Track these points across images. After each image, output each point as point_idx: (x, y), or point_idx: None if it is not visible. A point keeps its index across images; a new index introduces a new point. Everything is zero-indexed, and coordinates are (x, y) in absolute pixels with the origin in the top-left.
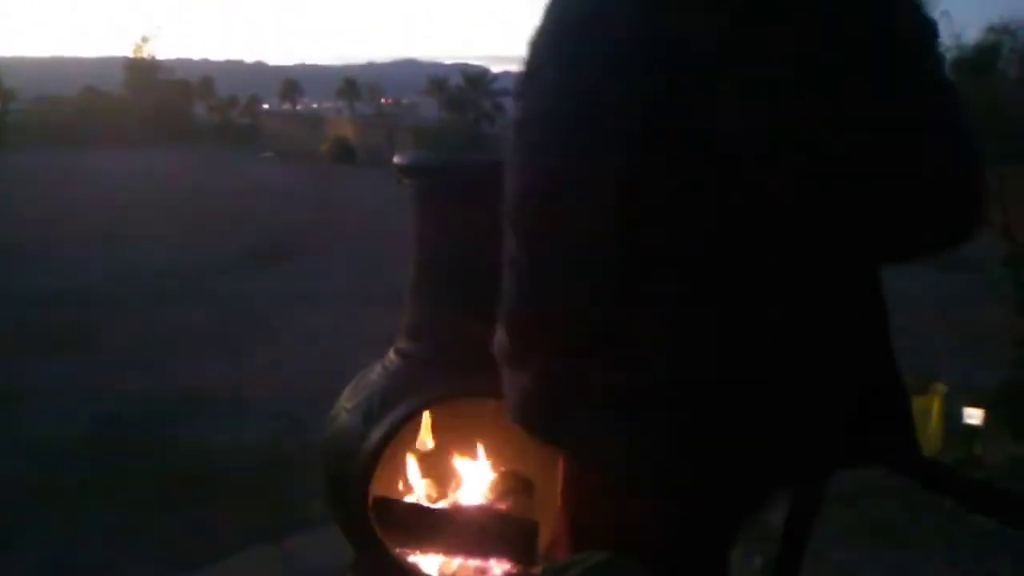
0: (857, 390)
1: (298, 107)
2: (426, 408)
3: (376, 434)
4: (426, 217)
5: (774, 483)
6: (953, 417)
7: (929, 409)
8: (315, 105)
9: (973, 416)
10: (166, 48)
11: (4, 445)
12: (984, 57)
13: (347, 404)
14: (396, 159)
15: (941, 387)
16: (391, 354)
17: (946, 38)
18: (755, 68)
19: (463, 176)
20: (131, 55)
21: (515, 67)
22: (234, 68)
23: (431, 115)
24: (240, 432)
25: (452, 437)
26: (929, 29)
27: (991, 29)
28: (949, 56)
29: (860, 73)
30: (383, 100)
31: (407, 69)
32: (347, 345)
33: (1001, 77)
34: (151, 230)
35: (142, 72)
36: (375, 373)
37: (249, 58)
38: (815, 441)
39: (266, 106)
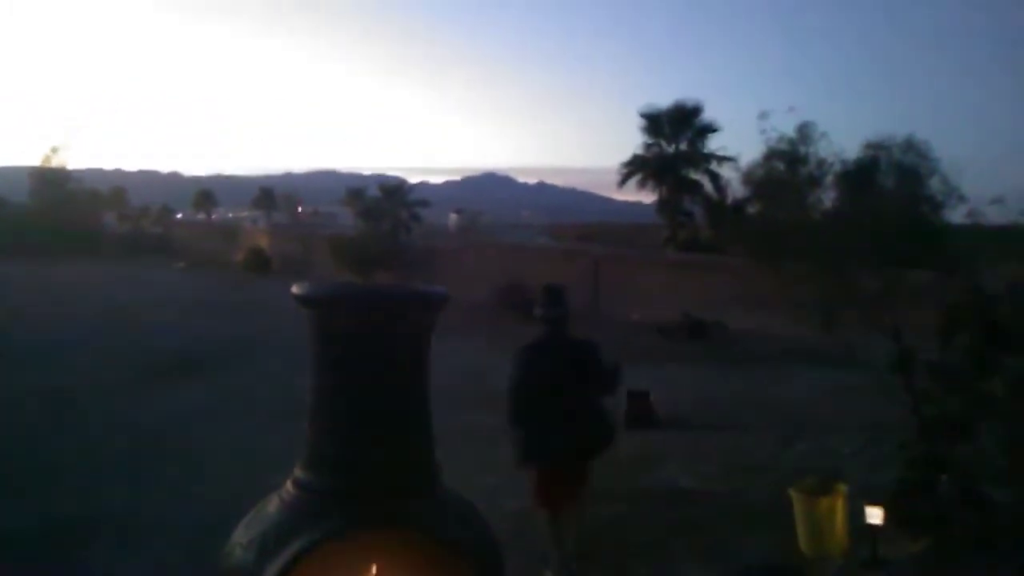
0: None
1: (213, 217)
2: (323, 542)
3: (271, 572)
4: (323, 346)
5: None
6: (856, 516)
7: (834, 509)
8: (230, 215)
9: (874, 516)
10: (78, 158)
11: None
12: (864, 172)
13: (242, 539)
14: (294, 289)
15: (843, 487)
16: (289, 485)
17: (830, 155)
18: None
19: (360, 307)
20: (39, 165)
21: (430, 178)
22: (149, 178)
23: (348, 224)
24: (137, 564)
25: (349, 571)
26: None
27: (869, 145)
28: (833, 170)
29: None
30: (300, 209)
31: (325, 179)
32: (253, 467)
33: (881, 188)
34: (53, 347)
35: (50, 182)
36: (272, 505)
37: (164, 168)
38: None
39: (180, 216)
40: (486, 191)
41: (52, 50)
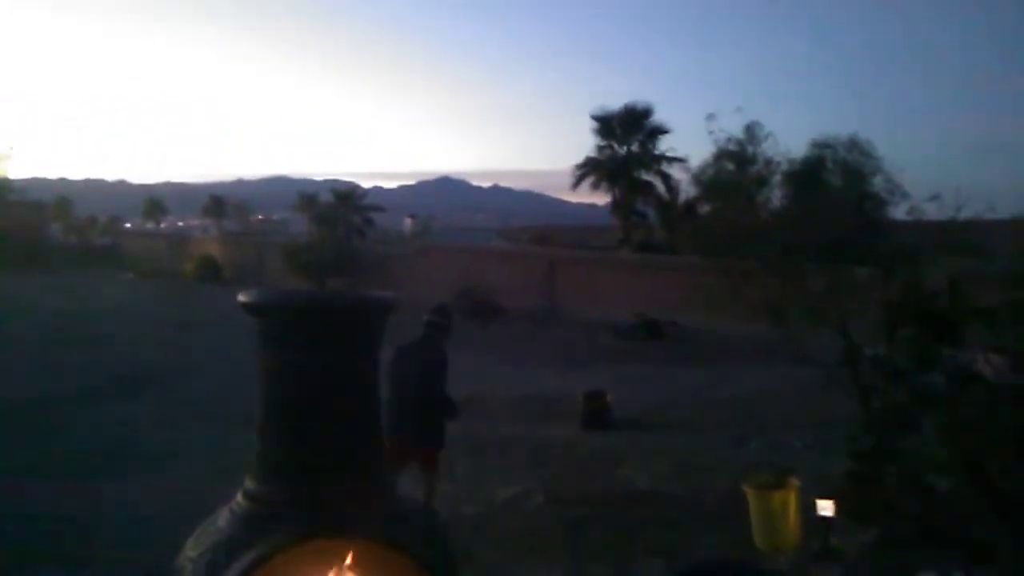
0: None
1: (163, 225)
2: (275, 554)
3: None
4: (270, 354)
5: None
6: (809, 509)
7: (787, 503)
8: (180, 223)
9: (826, 508)
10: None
11: None
12: (810, 170)
13: (192, 553)
14: (240, 296)
15: (796, 481)
16: (239, 496)
17: (777, 155)
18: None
19: (304, 314)
20: None
21: (384, 183)
22: (94, 187)
23: (301, 231)
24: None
25: None
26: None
27: (815, 144)
28: (781, 169)
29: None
30: (252, 217)
31: (277, 186)
32: (203, 476)
33: (827, 186)
34: (8, 358)
35: None
36: (222, 519)
37: (111, 176)
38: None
39: (128, 225)
40: (441, 195)
41: None
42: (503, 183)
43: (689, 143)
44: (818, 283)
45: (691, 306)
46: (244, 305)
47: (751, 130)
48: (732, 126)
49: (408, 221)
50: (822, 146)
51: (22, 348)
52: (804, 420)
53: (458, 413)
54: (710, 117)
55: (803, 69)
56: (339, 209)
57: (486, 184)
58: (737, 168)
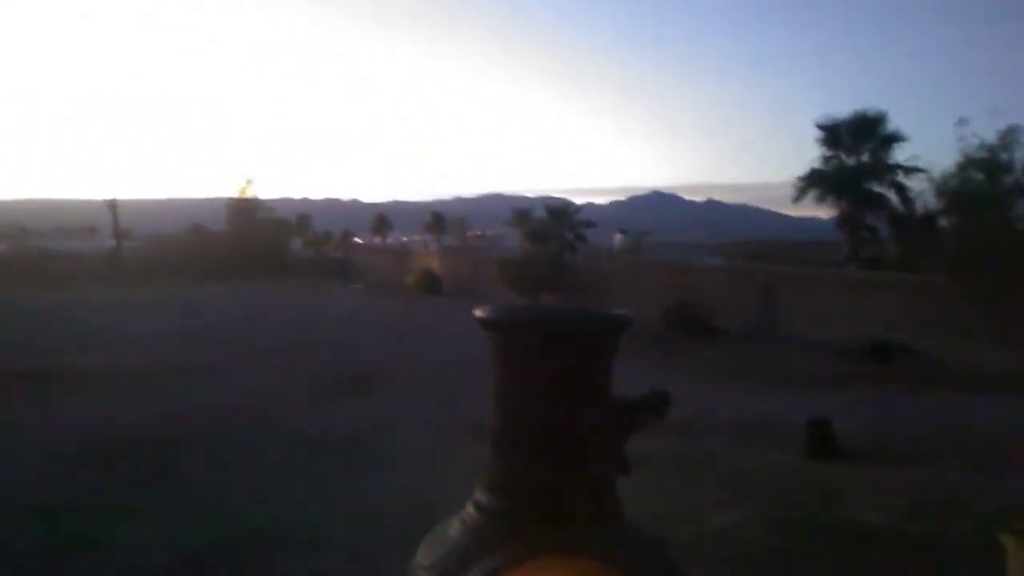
0: None
1: (388, 240)
2: (505, 569)
3: None
4: (505, 369)
5: None
6: None
7: None
8: (404, 238)
9: None
10: (269, 188)
11: (95, 573)
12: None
13: (424, 562)
14: (476, 312)
15: None
16: (469, 507)
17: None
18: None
19: (544, 330)
20: (235, 196)
21: (595, 198)
22: (331, 205)
23: (515, 246)
24: (321, 566)
25: None
26: None
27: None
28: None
29: None
30: (469, 232)
31: (493, 203)
32: (428, 480)
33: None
34: (246, 360)
35: (243, 211)
36: (453, 528)
37: (345, 196)
38: None
39: (358, 240)
40: (652, 210)
41: (247, 92)
42: (717, 197)
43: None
44: None
45: (928, 328)
46: (481, 320)
47: (1009, 135)
48: (984, 131)
49: (618, 236)
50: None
51: (264, 352)
52: None
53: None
54: (961, 122)
55: None
56: (552, 225)
57: (699, 198)
58: (988, 177)
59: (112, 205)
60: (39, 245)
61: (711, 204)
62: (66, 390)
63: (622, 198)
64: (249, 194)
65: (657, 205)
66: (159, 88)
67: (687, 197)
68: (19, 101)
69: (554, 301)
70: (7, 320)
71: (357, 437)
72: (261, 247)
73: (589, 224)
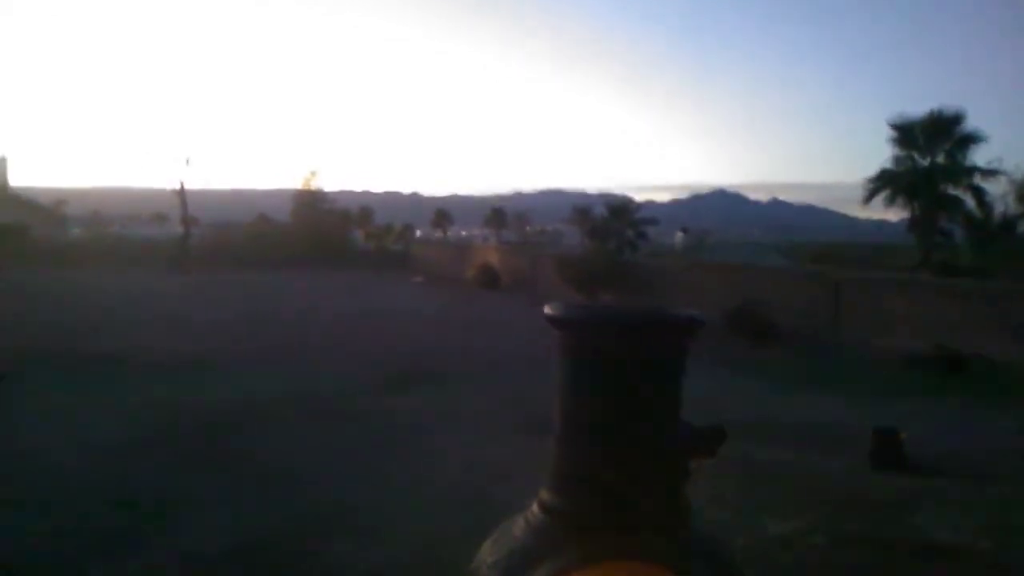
0: None
1: (448, 234)
2: (569, 571)
3: None
4: (574, 369)
5: None
6: None
7: None
8: (464, 232)
9: None
10: (332, 181)
11: (158, 556)
12: None
13: (488, 559)
14: (546, 309)
15: None
16: (534, 507)
17: None
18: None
19: (617, 330)
20: (299, 187)
21: (656, 196)
22: (392, 199)
23: (574, 243)
24: (381, 555)
25: None
26: None
27: None
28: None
29: None
30: (528, 228)
31: (552, 198)
32: (491, 474)
33: None
34: (312, 348)
35: (308, 202)
36: (517, 528)
37: (406, 190)
38: None
39: (419, 233)
40: (715, 209)
41: (313, 88)
42: (782, 196)
43: (1009, 153)
44: None
45: (1005, 338)
46: (550, 318)
47: None
48: None
49: (679, 235)
50: None
51: (322, 340)
52: None
53: None
54: None
55: None
56: (612, 222)
57: (763, 198)
58: None
59: (181, 193)
60: (113, 232)
61: (776, 204)
62: (139, 373)
63: (684, 196)
64: (313, 186)
65: (720, 204)
66: (229, 82)
67: (751, 196)
68: (96, 92)
69: (613, 299)
70: (84, 302)
71: (421, 427)
72: (324, 238)
73: (650, 222)
